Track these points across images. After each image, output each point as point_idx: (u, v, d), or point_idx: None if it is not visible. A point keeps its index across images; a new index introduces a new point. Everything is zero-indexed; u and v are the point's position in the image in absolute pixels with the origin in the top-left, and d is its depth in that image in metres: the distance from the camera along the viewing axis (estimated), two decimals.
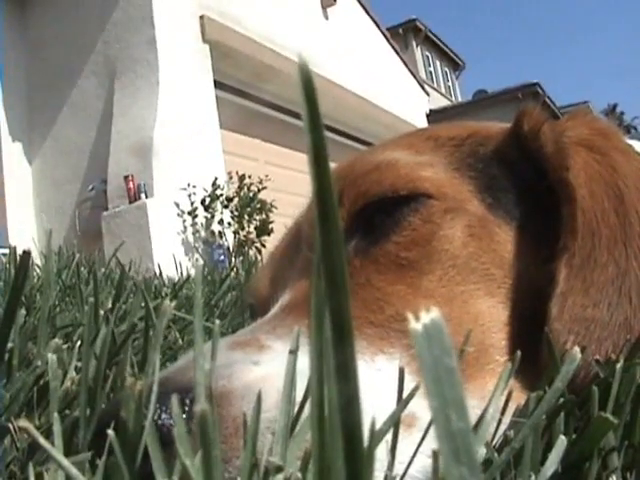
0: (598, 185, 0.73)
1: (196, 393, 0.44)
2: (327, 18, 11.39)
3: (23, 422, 0.40)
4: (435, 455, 0.35)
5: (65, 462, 0.41)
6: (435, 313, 0.25)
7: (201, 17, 8.44)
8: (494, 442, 0.53)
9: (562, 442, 0.49)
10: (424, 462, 0.53)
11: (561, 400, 0.54)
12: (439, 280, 0.70)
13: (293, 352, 0.46)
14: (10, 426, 0.68)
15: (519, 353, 0.56)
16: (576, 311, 0.66)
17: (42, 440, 0.40)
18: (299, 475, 0.37)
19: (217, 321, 0.46)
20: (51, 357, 0.65)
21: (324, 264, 0.26)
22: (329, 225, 0.26)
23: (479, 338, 0.66)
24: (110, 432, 0.41)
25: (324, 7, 11.28)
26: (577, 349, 0.53)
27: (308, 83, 0.25)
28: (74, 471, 0.40)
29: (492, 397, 0.52)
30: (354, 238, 0.75)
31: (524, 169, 0.79)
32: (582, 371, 0.61)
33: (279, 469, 0.36)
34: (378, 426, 0.41)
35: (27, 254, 0.69)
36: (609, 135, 0.81)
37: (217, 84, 8.64)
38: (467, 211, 0.74)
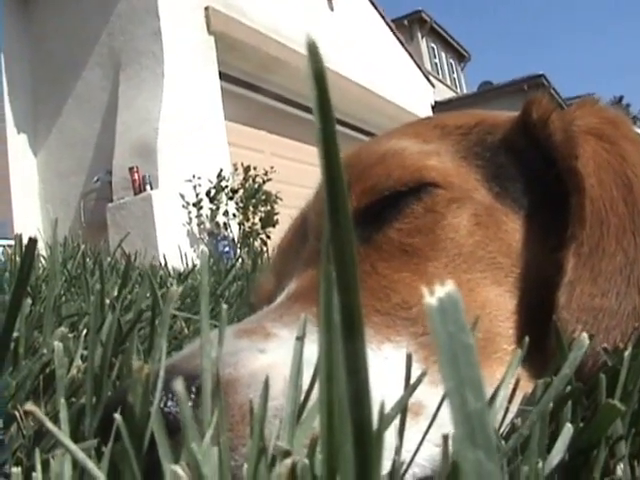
0: (607, 174, 0.73)
1: (202, 379, 0.44)
2: (332, 9, 11.36)
3: (30, 406, 0.40)
4: (445, 440, 0.35)
5: (72, 446, 0.41)
6: (451, 286, 0.24)
7: (206, 8, 8.43)
8: (501, 430, 0.53)
9: (568, 429, 0.49)
10: (432, 450, 0.53)
11: (569, 388, 0.54)
12: (444, 267, 0.70)
13: (300, 339, 0.45)
14: (17, 413, 0.68)
15: (527, 339, 0.56)
16: (584, 300, 0.65)
17: (49, 424, 0.40)
18: (306, 461, 0.37)
19: (224, 306, 0.46)
20: (57, 345, 0.65)
21: (333, 250, 0.25)
22: (339, 210, 0.25)
23: (486, 326, 0.66)
24: (117, 417, 0.40)
25: None
26: (585, 335, 0.53)
27: (318, 67, 0.25)
28: (81, 455, 0.40)
29: (501, 383, 0.52)
30: (360, 227, 0.75)
31: (532, 158, 0.78)
32: (590, 360, 0.61)
33: (287, 454, 0.36)
34: (386, 412, 0.41)
35: (33, 241, 0.69)
36: (618, 124, 0.80)
37: (222, 76, 8.63)
38: (473, 200, 0.74)
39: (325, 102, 0.25)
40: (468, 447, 0.22)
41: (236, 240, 7.79)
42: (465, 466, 0.22)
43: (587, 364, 0.60)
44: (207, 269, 0.52)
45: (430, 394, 0.56)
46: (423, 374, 0.46)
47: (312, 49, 0.25)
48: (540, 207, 0.75)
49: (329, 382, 0.27)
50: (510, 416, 0.54)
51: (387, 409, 0.43)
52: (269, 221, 8.00)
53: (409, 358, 0.48)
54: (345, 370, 0.26)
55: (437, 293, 0.24)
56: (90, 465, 0.40)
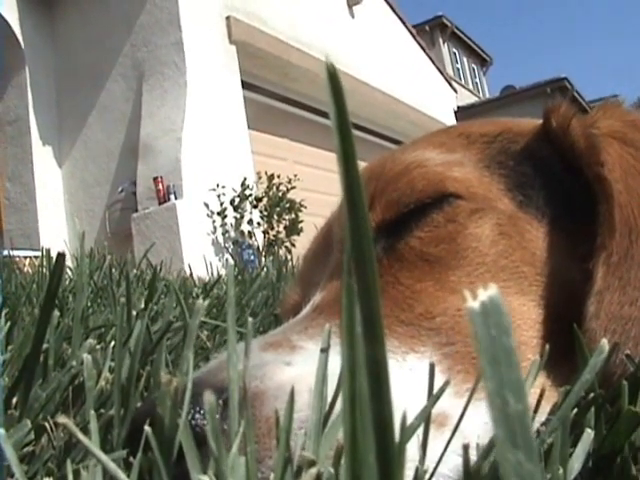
0: (634, 179, 0.72)
1: (230, 391, 0.44)
2: (353, 17, 11.37)
3: (62, 418, 0.41)
4: (466, 449, 0.35)
5: (103, 457, 0.41)
6: (493, 290, 0.24)
7: (227, 18, 8.47)
8: None
9: (589, 435, 0.49)
10: (456, 461, 0.53)
11: (591, 395, 0.53)
12: (467, 277, 0.70)
13: (324, 351, 0.46)
14: (47, 425, 0.69)
15: (547, 347, 0.56)
16: (613, 309, 0.65)
17: (80, 435, 0.41)
18: (331, 470, 0.38)
19: (250, 319, 0.47)
20: (86, 357, 0.66)
21: (354, 262, 0.26)
22: (359, 224, 0.26)
23: None
24: (147, 428, 0.41)
25: (350, 6, 11.26)
26: (605, 341, 0.53)
27: (335, 83, 0.25)
28: (112, 465, 0.41)
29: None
30: (384, 239, 0.75)
31: (556, 165, 0.78)
32: (618, 369, 0.60)
33: (312, 463, 0.37)
34: (409, 423, 0.42)
35: (62, 256, 0.70)
36: None
37: (244, 84, 8.67)
38: (496, 209, 0.74)
39: (344, 121, 0.26)
40: (508, 448, 0.23)
41: (261, 248, 7.81)
42: (505, 467, 0.23)
43: (616, 374, 0.60)
44: (233, 281, 0.52)
45: (455, 405, 0.56)
46: (446, 383, 0.46)
47: (331, 70, 0.25)
48: (565, 215, 0.75)
49: (352, 392, 0.27)
50: (536, 425, 0.54)
51: (411, 420, 0.43)
52: (294, 229, 8.01)
53: (432, 367, 0.48)
54: (366, 376, 0.26)
55: (479, 297, 0.24)
56: (122, 476, 0.41)
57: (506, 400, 0.23)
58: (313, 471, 0.35)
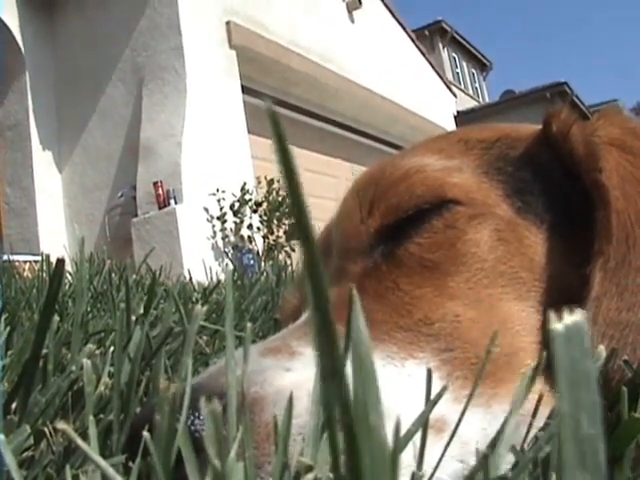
0: (632, 186, 0.72)
1: (228, 395, 0.44)
2: (353, 21, 11.39)
3: (61, 424, 0.41)
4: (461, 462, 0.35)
5: (102, 462, 0.42)
6: (579, 315, 0.25)
7: (227, 23, 8.49)
8: (525, 444, 0.53)
9: None
10: (455, 467, 0.53)
11: None
12: (466, 282, 0.70)
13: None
14: (46, 430, 0.69)
15: (544, 354, 0.56)
16: (611, 315, 0.65)
17: (79, 441, 0.41)
18: (330, 475, 0.38)
19: (249, 324, 0.47)
20: (86, 362, 0.66)
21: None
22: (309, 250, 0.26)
23: (509, 341, 0.65)
24: (146, 434, 0.41)
25: (350, 10, 11.29)
26: (602, 347, 0.53)
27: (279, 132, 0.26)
28: (111, 471, 0.41)
29: (517, 397, 0.52)
30: (382, 244, 0.75)
31: (555, 172, 0.78)
32: (617, 374, 0.60)
33: (309, 469, 0.37)
34: (407, 429, 0.42)
35: (61, 262, 0.70)
36: None
37: (244, 89, 8.68)
38: (495, 215, 0.74)
39: (288, 162, 0.26)
40: (577, 469, 0.23)
41: (260, 253, 7.81)
42: None
43: (614, 378, 0.60)
44: (231, 286, 0.53)
45: (454, 411, 0.56)
46: (444, 388, 0.46)
47: (272, 116, 0.26)
48: (564, 221, 0.75)
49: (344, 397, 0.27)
50: (534, 431, 0.54)
51: (409, 425, 0.43)
52: (293, 234, 8.01)
53: (429, 373, 0.48)
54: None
55: (564, 320, 0.24)
56: None
57: (580, 423, 0.23)
58: (310, 477, 0.35)
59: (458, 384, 0.61)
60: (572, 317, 0.24)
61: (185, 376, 0.47)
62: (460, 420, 0.48)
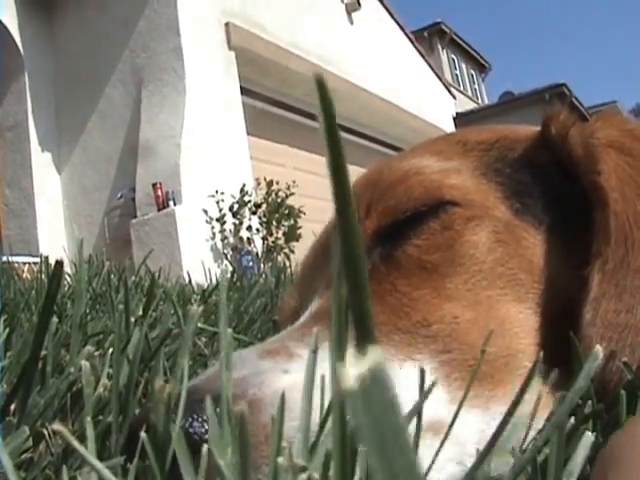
0: (630, 188, 0.72)
1: (221, 396, 0.44)
2: (352, 23, 11.40)
3: (57, 426, 0.41)
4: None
5: (98, 464, 0.42)
6: (375, 355, 0.20)
7: (226, 24, 8.50)
8: (524, 446, 0.53)
9: (588, 438, 0.49)
10: (452, 469, 0.53)
11: (590, 408, 0.53)
12: (464, 284, 0.70)
13: (314, 352, 0.46)
14: (45, 431, 0.69)
15: (541, 355, 0.56)
16: (609, 317, 0.65)
17: (76, 443, 0.41)
18: (316, 476, 0.38)
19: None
20: (84, 364, 0.66)
21: (345, 270, 0.25)
22: (349, 233, 0.26)
23: (507, 343, 0.65)
24: (143, 435, 0.41)
25: (349, 12, 11.30)
26: (599, 347, 0.53)
27: (325, 95, 0.25)
28: (107, 473, 0.41)
29: (516, 399, 0.52)
30: (381, 246, 0.75)
31: (553, 173, 0.78)
32: (615, 376, 0.60)
33: (303, 469, 0.37)
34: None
35: (60, 264, 0.70)
36: (639, 136, 0.79)
37: (243, 90, 8.68)
38: (493, 217, 0.74)
39: (334, 137, 0.25)
40: None
41: (260, 255, 7.82)
42: None
43: (612, 380, 0.60)
44: (226, 287, 0.52)
45: (451, 413, 0.56)
46: (433, 384, 0.46)
47: (320, 84, 0.25)
48: (563, 223, 0.75)
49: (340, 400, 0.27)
50: (533, 432, 0.54)
51: (410, 428, 0.43)
52: (292, 235, 8.02)
53: (422, 372, 0.48)
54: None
55: (357, 367, 0.20)
56: None
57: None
58: (303, 477, 0.35)
59: (456, 386, 0.61)
60: (365, 362, 0.19)
61: (181, 377, 0.47)
62: (454, 420, 0.48)
